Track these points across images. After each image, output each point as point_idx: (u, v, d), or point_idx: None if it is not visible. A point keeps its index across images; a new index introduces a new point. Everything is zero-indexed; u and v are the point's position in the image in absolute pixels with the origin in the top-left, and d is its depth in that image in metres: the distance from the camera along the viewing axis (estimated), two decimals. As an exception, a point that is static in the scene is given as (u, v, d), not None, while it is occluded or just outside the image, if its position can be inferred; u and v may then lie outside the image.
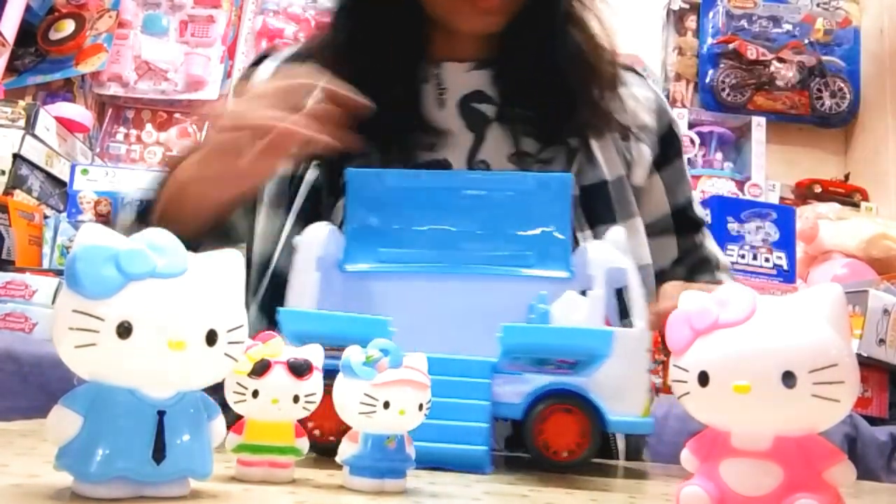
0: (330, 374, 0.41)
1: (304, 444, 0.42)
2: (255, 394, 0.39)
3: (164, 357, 0.31)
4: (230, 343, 0.32)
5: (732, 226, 1.60)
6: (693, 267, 0.88)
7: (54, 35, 2.11)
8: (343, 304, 0.57)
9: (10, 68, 2.04)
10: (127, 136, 2.17)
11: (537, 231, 0.55)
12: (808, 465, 0.32)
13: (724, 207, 1.64)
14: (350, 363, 0.38)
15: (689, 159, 0.91)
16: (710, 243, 0.91)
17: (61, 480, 0.32)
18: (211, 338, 0.31)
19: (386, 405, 0.38)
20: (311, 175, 0.77)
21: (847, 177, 2.28)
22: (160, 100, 2.18)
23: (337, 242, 0.62)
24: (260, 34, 2.23)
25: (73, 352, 0.30)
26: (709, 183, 2.14)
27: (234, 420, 0.40)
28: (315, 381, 0.41)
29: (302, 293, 0.56)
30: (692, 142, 2.21)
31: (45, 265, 1.58)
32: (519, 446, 0.69)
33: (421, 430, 0.50)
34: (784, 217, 1.63)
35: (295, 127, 0.62)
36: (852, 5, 2.33)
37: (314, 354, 0.42)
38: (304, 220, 0.72)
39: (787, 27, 2.30)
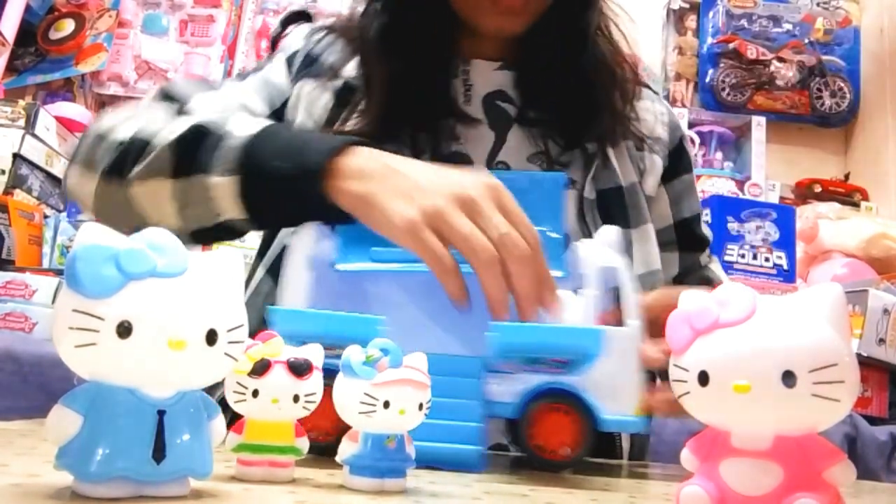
0: (326, 374, 0.41)
1: (304, 443, 0.42)
2: (255, 393, 0.39)
3: (164, 357, 0.31)
4: (230, 343, 0.32)
5: (732, 226, 1.61)
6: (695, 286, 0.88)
7: (54, 35, 2.12)
8: (336, 303, 0.57)
9: (10, 68, 2.04)
10: (127, 135, 2.17)
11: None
12: (808, 465, 0.32)
13: (724, 207, 1.64)
14: (350, 363, 0.38)
15: (683, 135, 0.92)
16: (715, 266, 0.92)
17: (61, 480, 0.32)
18: (211, 337, 0.31)
19: (386, 405, 0.38)
20: None
21: (847, 176, 2.28)
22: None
23: (329, 242, 0.62)
24: (260, 34, 2.23)
25: (73, 351, 0.30)
26: (709, 183, 2.14)
27: (231, 419, 0.40)
28: (315, 381, 0.41)
29: (294, 292, 0.56)
30: (692, 141, 2.21)
31: (45, 265, 1.58)
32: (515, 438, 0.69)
33: (413, 428, 0.50)
34: (784, 217, 1.63)
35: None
36: (852, 5, 2.33)
37: (314, 354, 0.42)
38: None
39: (787, 27, 2.30)
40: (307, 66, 0.83)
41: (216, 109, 0.76)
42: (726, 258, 1.58)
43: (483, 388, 0.53)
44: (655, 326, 0.50)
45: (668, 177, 0.87)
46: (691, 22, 2.36)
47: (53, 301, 1.34)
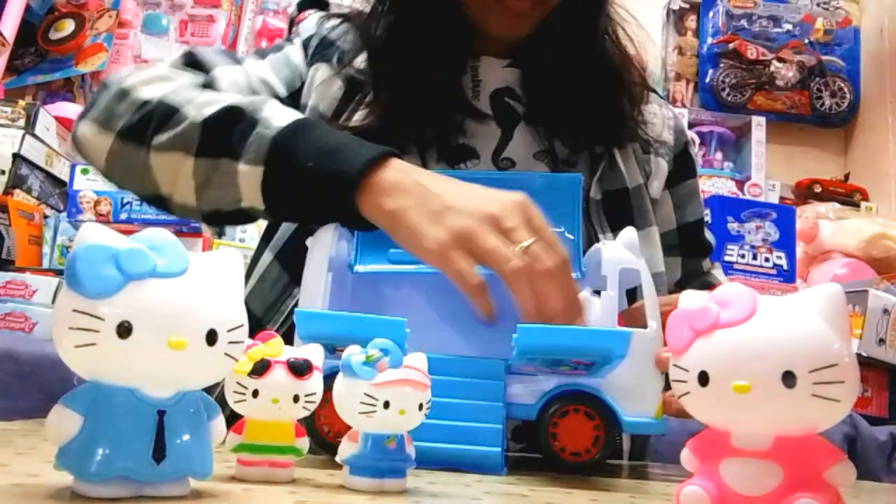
0: None
1: (304, 443, 0.42)
2: (255, 393, 0.39)
3: (164, 357, 0.31)
4: (230, 343, 0.32)
5: (732, 226, 1.61)
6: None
7: (54, 35, 2.11)
8: (353, 304, 0.57)
9: (10, 68, 2.04)
10: (127, 135, 2.17)
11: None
12: (808, 465, 0.32)
13: (724, 207, 1.64)
14: (350, 363, 0.38)
15: (688, 140, 0.93)
16: (717, 272, 0.92)
17: (61, 480, 0.32)
18: (211, 338, 0.31)
19: (386, 405, 0.38)
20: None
21: (847, 177, 2.28)
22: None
23: (347, 243, 0.62)
24: (260, 34, 2.23)
25: (73, 351, 0.30)
26: (709, 183, 2.14)
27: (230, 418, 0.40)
28: (315, 381, 0.41)
29: (314, 294, 0.56)
30: (692, 141, 2.21)
31: (45, 265, 1.58)
32: (526, 438, 0.69)
33: (434, 430, 0.50)
34: (784, 217, 1.63)
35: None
36: (852, 5, 2.33)
37: (314, 354, 0.42)
38: None
39: (787, 27, 2.30)
40: (323, 50, 0.83)
41: (240, 85, 0.76)
42: (726, 258, 1.58)
43: (504, 390, 0.53)
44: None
45: (672, 181, 0.88)
46: (691, 22, 2.37)
47: (53, 301, 1.34)
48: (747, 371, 0.31)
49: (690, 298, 0.35)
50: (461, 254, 0.55)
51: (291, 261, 0.74)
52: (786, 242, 1.61)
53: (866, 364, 1.37)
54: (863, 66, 2.30)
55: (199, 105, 0.66)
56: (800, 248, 1.81)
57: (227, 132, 0.63)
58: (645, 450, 0.86)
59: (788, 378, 0.31)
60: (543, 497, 0.43)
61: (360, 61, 0.81)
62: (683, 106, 2.28)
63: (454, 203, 0.57)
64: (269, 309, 0.74)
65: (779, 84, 2.27)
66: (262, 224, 0.83)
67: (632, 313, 0.60)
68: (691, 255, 0.89)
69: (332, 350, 0.48)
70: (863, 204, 2.15)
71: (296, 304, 0.72)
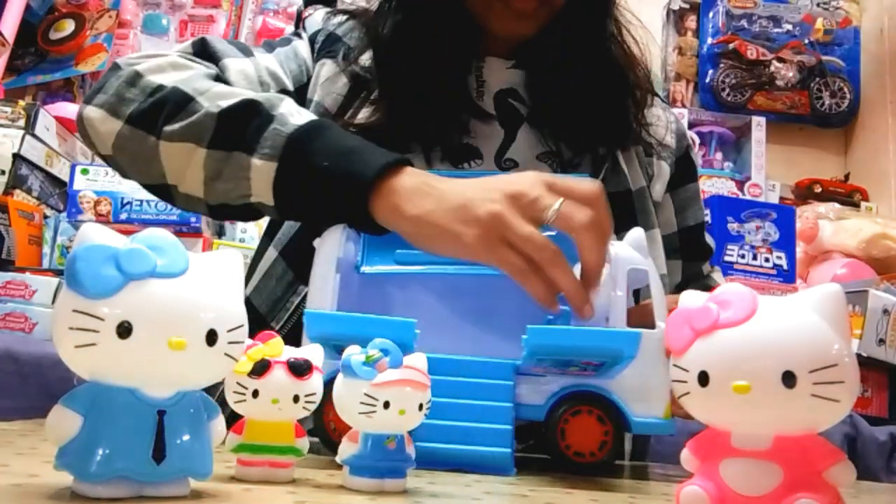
0: None
1: (304, 444, 0.42)
2: (255, 394, 0.39)
3: (164, 357, 0.31)
4: (230, 343, 0.32)
5: (732, 226, 1.60)
6: None
7: (54, 35, 2.11)
8: (360, 305, 0.57)
9: (10, 68, 2.04)
10: (127, 135, 2.17)
11: (554, 231, 0.55)
12: (808, 465, 0.32)
13: (724, 207, 1.64)
14: (350, 363, 0.38)
15: (689, 144, 0.94)
16: (717, 276, 0.93)
17: (61, 480, 0.32)
18: (211, 338, 0.31)
19: (386, 405, 0.38)
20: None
21: (847, 177, 2.28)
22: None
23: (354, 244, 0.62)
24: (260, 34, 2.23)
25: (73, 352, 0.30)
26: (709, 183, 2.14)
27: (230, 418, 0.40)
28: (315, 381, 0.41)
29: (322, 294, 0.56)
30: (692, 141, 2.21)
31: (45, 265, 1.58)
32: (528, 439, 0.69)
33: (443, 432, 0.50)
34: (784, 217, 1.63)
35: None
36: (852, 5, 2.33)
37: (314, 354, 0.42)
38: None
39: (787, 27, 2.30)
40: (329, 46, 0.83)
41: (249, 77, 0.75)
42: (726, 258, 1.58)
43: (513, 391, 0.53)
44: None
45: (674, 185, 0.88)
46: (691, 22, 2.36)
47: (53, 301, 1.34)
48: (747, 371, 0.31)
49: (690, 298, 0.35)
50: (500, 243, 0.55)
51: (296, 258, 0.74)
52: (786, 242, 1.61)
53: (866, 364, 1.37)
54: (863, 66, 2.30)
55: (215, 96, 0.65)
56: (800, 248, 1.81)
57: (242, 125, 0.63)
58: (645, 450, 0.86)
59: (788, 378, 0.31)
60: (543, 497, 0.43)
61: (366, 58, 0.81)
62: (683, 106, 2.28)
63: (473, 194, 0.57)
64: (274, 306, 0.74)
65: (779, 84, 2.27)
66: (262, 224, 0.83)
67: (639, 312, 0.60)
68: (692, 259, 0.89)
69: (341, 351, 0.48)
70: (863, 204, 2.15)
71: (301, 301, 0.72)
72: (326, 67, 0.81)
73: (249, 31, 2.25)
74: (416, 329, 0.47)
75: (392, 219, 0.58)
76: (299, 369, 0.40)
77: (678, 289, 0.87)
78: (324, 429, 0.52)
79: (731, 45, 2.27)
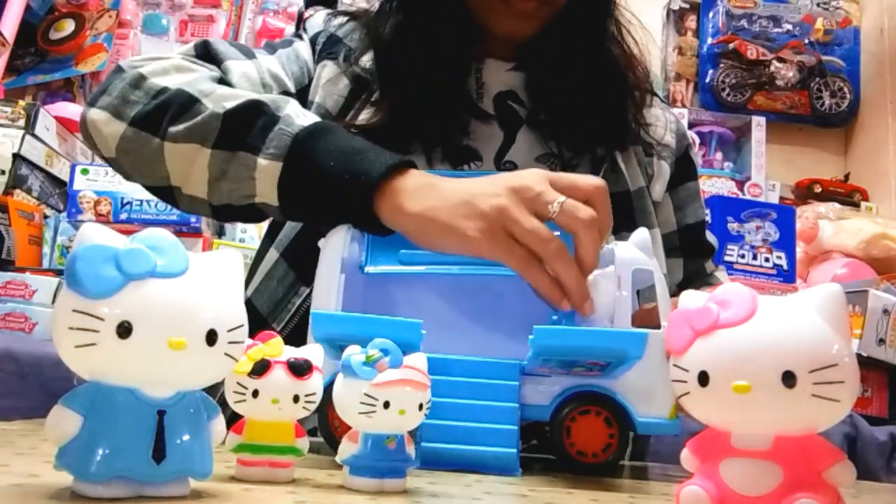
0: None
1: (304, 444, 0.42)
2: (255, 394, 0.39)
3: (164, 357, 0.31)
4: (230, 343, 0.32)
5: (732, 226, 1.60)
6: None
7: (54, 35, 2.11)
8: (364, 305, 0.57)
9: (10, 68, 2.04)
10: (127, 135, 2.17)
11: (558, 232, 0.55)
12: (808, 465, 0.32)
13: (724, 207, 1.64)
14: (350, 363, 0.38)
15: (689, 144, 0.94)
16: (721, 275, 0.93)
17: (61, 480, 0.32)
18: (211, 338, 0.31)
19: (386, 405, 0.38)
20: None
21: (847, 177, 2.28)
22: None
23: (359, 244, 0.62)
24: (260, 34, 2.23)
25: (73, 351, 0.30)
26: (709, 183, 2.14)
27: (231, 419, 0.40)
28: (315, 381, 0.41)
29: (328, 294, 0.56)
30: (693, 142, 2.21)
31: (45, 265, 1.58)
32: (529, 439, 0.69)
33: (449, 432, 0.50)
34: (784, 217, 1.63)
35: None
36: (852, 5, 2.33)
37: (314, 354, 0.42)
38: None
39: (787, 27, 2.30)
40: (330, 47, 0.83)
41: (251, 79, 0.75)
42: (726, 258, 1.58)
43: (519, 392, 0.53)
44: None
45: (673, 183, 0.88)
46: (691, 22, 2.37)
47: (53, 301, 1.34)
48: (747, 371, 0.31)
49: (690, 298, 0.35)
50: (504, 236, 0.55)
51: (297, 259, 0.74)
52: (786, 242, 1.61)
53: (866, 364, 1.37)
54: (863, 66, 2.30)
55: (220, 98, 0.66)
56: (800, 248, 1.81)
57: (247, 126, 0.63)
58: (645, 450, 0.86)
59: (788, 378, 0.31)
60: (544, 497, 0.43)
61: (367, 60, 0.81)
62: (683, 106, 2.28)
63: (477, 190, 0.57)
64: (275, 307, 0.74)
65: (779, 84, 2.27)
66: (262, 225, 0.83)
67: (643, 314, 0.60)
68: (693, 256, 0.89)
69: None
70: (863, 204, 2.15)
71: (303, 302, 0.72)
72: (328, 69, 0.81)
73: (249, 31, 2.25)
74: (422, 329, 0.47)
75: (396, 218, 0.58)
76: (299, 369, 0.40)
77: (680, 287, 0.87)
78: (328, 428, 0.52)
79: (731, 45, 2.27)
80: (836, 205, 2.02)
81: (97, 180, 1.59)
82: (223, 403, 0.39)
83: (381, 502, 0.37)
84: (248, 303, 0.74)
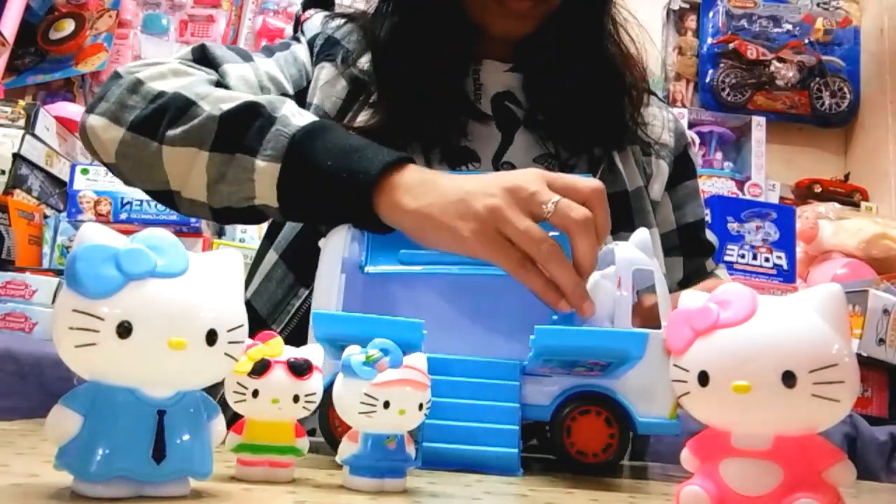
0: None
1: (304, 443, 0.42)
2: (255, 394, 0.39)
3: (164, 357, 0.31)
4: (230, 343, 0.32)
5: (732, 226, 1.60)
6: None
7: (54, 35, 2.11)
8: (365, 305, 0.57)
9: (10, 68, 2.04)
10: (127, 135, 2.17)
11: (557, 231, 0.55)
12: (808, 465, 0.32)
13: (724, 207, 1.64)
14: (350, 363, 0.38)
15: (688, 143, 0.94)
16: (722, 273, 0.92)
17: (61, 480, 0.32)
18: (211, 338, 0.31)
19: (386, 405, 0.38)
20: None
21: (847, 177, 2.28)
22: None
23: (359, 244, 0.62)
24: (260, 34, 2.23)
25: (73, 351, 0.30)
26: (709, 183, 2.14)
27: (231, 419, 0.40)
28: (315, 381, 0.41)
29: (328, 294, 0.56)
30: (692, 141, 2.21)
31: (45, 265, 1.58)
32: (528, 439, 0.69)
33: (450, 432, 0.50)
34: (784, 217, 1.63)
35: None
36: (852, 5, 2.33)
37: (314, 354, 0.42)
38: None
39: (787, 27, 2.30)
40: (328, 49, 0.83)
41: (250, 82, 0.75)
42: (726, 258, 1.58)
43: (520, 392, 0.53)
44: None
45: (672, 182, 0.88)
46: (691, 22, 2.37)
47: (53, 301, 1.34)
48: (747, 371, 0.31)
49: (690, 298, 0.35)
50: (498, 237, 0.55)
51: (297, 261, 0.74)
52: (786, 242, 1.61)
53: (866, 364, 1.37)
54: (863, 66, 2.30)
55: (216, 100, 0.66)
56: (800, 248, 1.81)
57: (244, 128, 0.63)
58: (645, 450, 0.86)
59: (788, 378, 0.31)
60: (544, 497, 0.43)
61: (365, 61, 0.81)
62: (683, 106, 2.28)
63: (472, 188, 0.57)
64: (275, 309, 0.74)
65: (779, 84, 2.27)
66: (262, 225, 0.83)
67: (643, 312, 0.60)
68: (693, 255, 0.89)
69: None
70: (863, 204, 2.15)
71: (302, 304, 0.72)
72: (325, 71, 0.81)
73: (249, 31, 2.25)
74: (423, 329, 0.47)
75: (393, 214, 0.58)
76: (299, 369, 0.40)
77: (681, 286, 0.87)
78: (328, 428, 0.52)
79: (731, 45, 2.27)
80: (836, 205, 2.02)
81: (97, 180, 1.59)
82: (223, 404, 0.39)
83: (381, 502, 0.37)
84: (248, 304, 0.74)
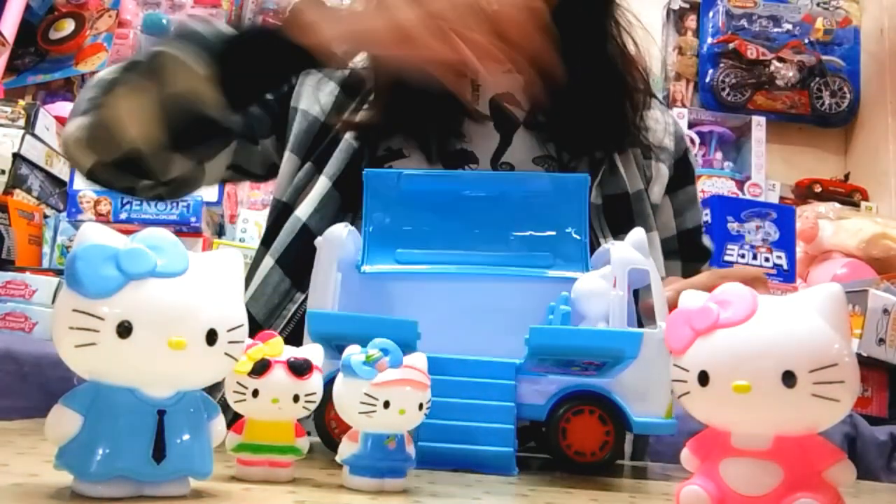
0: None
1: (304, 443, 0.42)
2: (255, 393, 0.39)
3: (164, 357, 0.31)
4: (230, 343, 0.32)
5: (732, 226, 1.60)
6: None
7: (54, 34, 2.11)
8: (360, 305, 0.57)
9: (10, 68, 2.04)
10: (127, 135, 2.17)
11: (554, 231, 0.55)
12: (808, 465, 0.32)
13: (724, 207, 1.64)
14: (350, 363, 0.38)
15: (687, 147, 0.94)
16: None
17: (61, 479, 0.32)
18: (211, 337, 0.31)
19: (386, 405, 0.38)
20: (350, 143, 0.77)
21: (847, 176, 2.28)
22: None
23: (355, 243, 0.62)
24: (260, 34, 2.23)
25: (73, 351, 0.30)
26: (709, 183, 2.14)
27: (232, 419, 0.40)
28: (315, 381, 0.41)
29: (324, 294, 0.56)
30: (692, 141, 2.21)
31: (45, 265, 1.58)
32: (526, 441, 0.69)
33: (445, 431, 0.50)
34: (784, 217, 1.63)
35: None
36: (852, 5, 2.33)
37: (314, 354, 0.42)
38: (344, 187, 0.74)
39: (787, 27, 2.30)
40: None
41: None
42: (726, 258, 1.58)
43: (515, 391, 0.53)
44: None
45: (672, 187, 0.88)
46: (691, 22, 2.36)
47: (53, 301, 1.34)
48: (747, 371, 0.31)
49: (690, 298, 0.35)
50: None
51: (293, 266, 0.74)
52: (786, 242, 1.61)
53: (866, 364, 1.37)
54: (863, 66, 2.30)
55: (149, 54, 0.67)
56: (800, 248, 1.81)
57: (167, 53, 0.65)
58: (645, 450, 0.86)
59: (788, 378, 0.31)
60: (543, 497, 0.43)
61: (357, 60, 0.81)
62: (683, 106, 2.28)
63: None
64: (271, 314, 0.74)
65: (779, 84, 2.27)
66: (262, 226, 0.83)
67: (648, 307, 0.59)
68: (690, 260, 0.89)
69: (343, 351, 0.48)
70: (863, 204, 2.15)
71: (298, 309, 0.72)
72: (312, 77, 0.81)
73: (249, 30, 2.25)
74: (418, 328, 0.47)
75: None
76: (299, 369, 0.40)
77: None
78: (325, 428, 0.52)
79: (731, 45, 2.27)
80: (836, 205, 2.02)
81: (97, 180, 1.59)
82: (224, 405, 0.39)
83: (381, 502, 0.37)
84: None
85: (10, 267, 1.46)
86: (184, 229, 1.53)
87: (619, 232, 0.76)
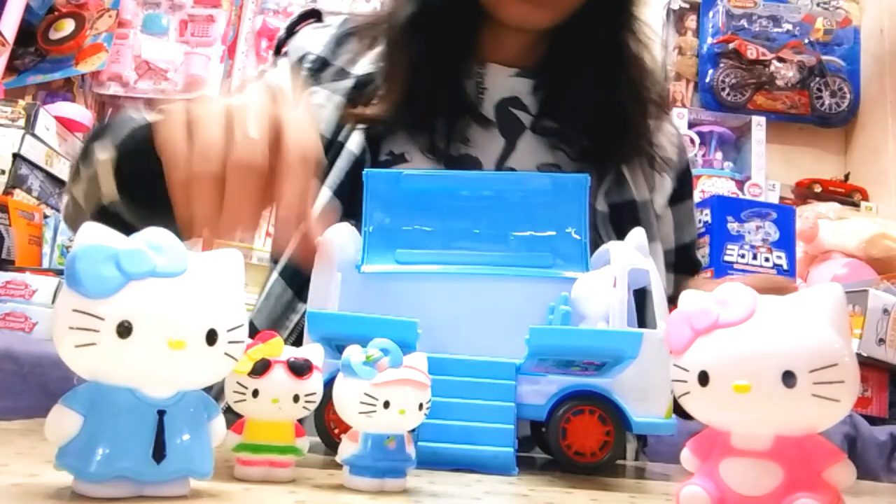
0: None
1: (304, 443, 0.42)
2: (255, 393, 0.39)
3: (164, 357, 0.31)
4: (230, 343, 0.32)
5: (732, 226, 1.60)
6: None
7: (54, 35, 2.12)
8: (360, 305, 0.57)
9: (10, 68, 2.04)
10: (127, 135, 2.17)
11: (554, 231, 0.55)
12: (808, 465, 0.32)
13: (724, 207, 1.63)
14: (350, 363, 0.38)
15: (689, 159, 0.94)
16: None
17: (61, 480, 0.32)
18: (211, 337, 0.31)
19: (386, 405, 0.38)
20: (351, 151, 0.77)
21: (847, 176, 2.28)
22: (160, 99, 2.18)
23: (355, 243, 0.62)
24: (260, 34, 2.23)
25: (73, 351, 0.30)
26: (709, 183, 2.14)
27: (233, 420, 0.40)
28: (315, 381, 0.41)
29: (324, 294, 0.56)
30: (692, 141, 2.21)
31: (45, 265, 1.59)
32: (535, 446, 0.69)
33: (445, 431, 0.50)
34: (784, 217, 1.63)
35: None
36: (852, 5, 2.33)
37: (314, 354, 0.42)
38: (344, 195, 0.74)
39: (787, 27, 2.30)
40: (319, 70, 0.82)
41: None
42: (726, 258, 1.58)
43: (515, 391, 0.53)
44: None
45: (675, 199, 0.87)
46: (691, 22, 2.37)
47: (53, 301, 1.34)
48: (747, 371, 0.31)
49: (690, 298, 0.35)
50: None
51: (294, 277, 0.75)
52: (786, 242, 1.61)
53: (866, 364, 1.37)
54: (863, 66, 2.30)
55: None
56: (800, 248, 1.82)
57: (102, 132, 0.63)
58: (645, 450, 0.86)
59: (788, 378, 0.31)
60: (544, 497, 0.43)
61: (361, 67, 0.80)
62: (683, 106, 2.28)
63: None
64: (274, 325, 0.75)
65: (779, 84, 2.27)
66: (263, 226, 0.83)
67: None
68: (682, 273, 0.90)
69: (343, 351, 0.48)
70: (863, 204, 2.15)
71: (300, 319, 0.72)
72: (318, 96, 0.80)
73: (249, 31, 2.25)
74: (418, 329, 0.47)
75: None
76: (299, 369, 0.40)
77: (669, 302, 0.87)
78: (325, 428, 0.52)
79: (731, 45, 2.27)
80: (836, 205, 2.02)
81: (97, 180, 1.59)
82: (225, 408, 0.39)
83: (381, 502, 0.37)
84: (249, 323, 0.74)
85: (10, 267, 1.46)
86: (184, 229, 1.53)
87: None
